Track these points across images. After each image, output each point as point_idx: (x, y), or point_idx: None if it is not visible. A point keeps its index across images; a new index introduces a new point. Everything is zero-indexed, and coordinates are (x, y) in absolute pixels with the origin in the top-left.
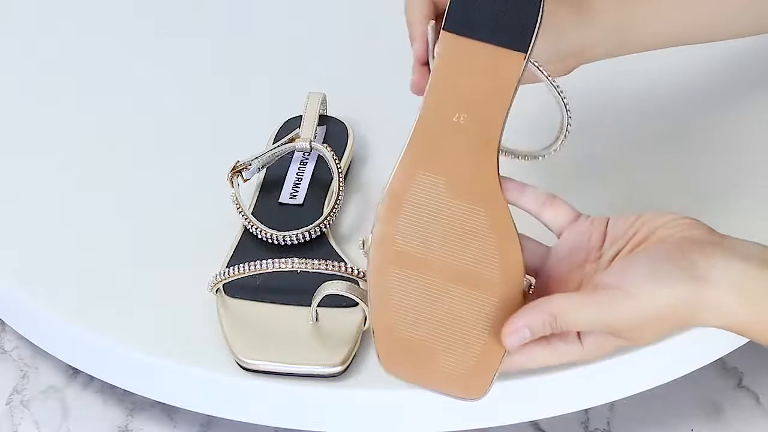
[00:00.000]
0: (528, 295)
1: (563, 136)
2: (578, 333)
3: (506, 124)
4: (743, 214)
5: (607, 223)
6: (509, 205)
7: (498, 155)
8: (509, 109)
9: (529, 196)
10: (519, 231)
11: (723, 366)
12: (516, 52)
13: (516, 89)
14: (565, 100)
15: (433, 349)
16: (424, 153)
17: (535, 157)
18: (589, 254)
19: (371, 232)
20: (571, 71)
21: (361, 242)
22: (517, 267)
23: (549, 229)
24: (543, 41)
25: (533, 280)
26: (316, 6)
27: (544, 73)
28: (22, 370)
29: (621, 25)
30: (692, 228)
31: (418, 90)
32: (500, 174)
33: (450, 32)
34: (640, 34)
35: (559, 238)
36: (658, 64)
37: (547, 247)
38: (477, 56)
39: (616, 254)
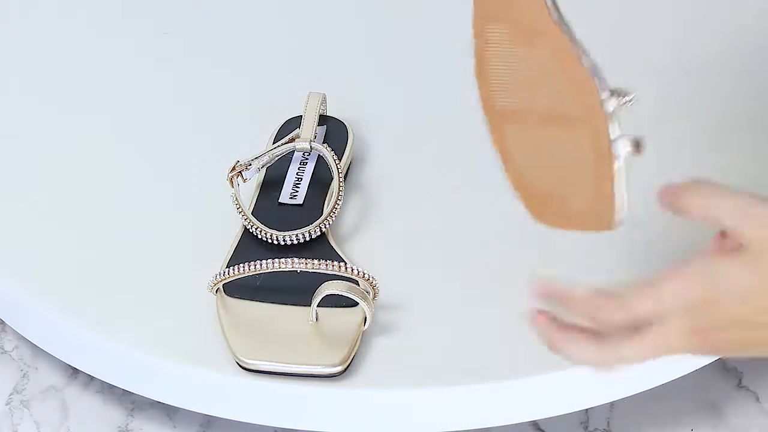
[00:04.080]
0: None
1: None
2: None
3: None
4: None
5: None
6: None
7: None
8: None
9: None
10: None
11: (723, 366)
12: None
13: None
14: None
15: (562, 195)
16: (484, 7)
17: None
18: None
19: None
20: None
21: None
22: (587, 84)
23: None
24: None
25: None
26: (316, 5)
27: None
28: (22, 370)
29: None
30: None
31: None
32: (558, 8)
33: None
34: None
35: None
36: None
37: None
38: None
39: None
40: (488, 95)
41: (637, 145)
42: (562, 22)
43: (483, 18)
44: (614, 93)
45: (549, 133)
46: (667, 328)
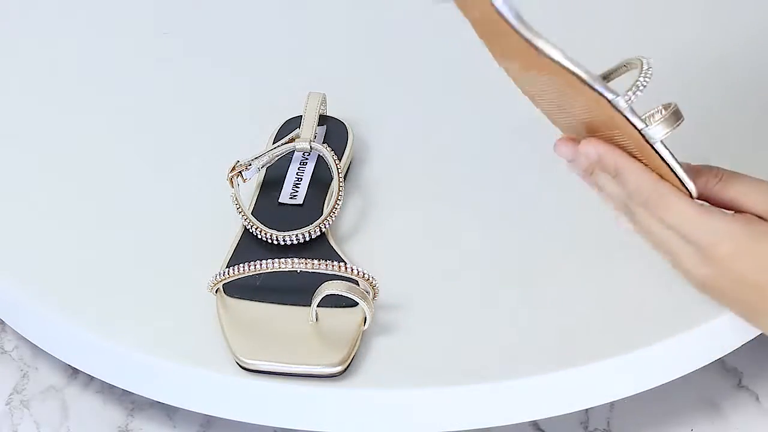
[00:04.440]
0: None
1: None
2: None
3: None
4: None
5: None
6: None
7: (516, 28)
8: None
9: None
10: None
11: (723, 366)
12: None
13: None
14: None
15: None
16: (491, 50)
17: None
18: None
19: None
20: None
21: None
22: (591, 93)
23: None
24: None
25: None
26: (316, 5)
27: None
28: (22, 370)
29: None
30: None
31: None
32: (538, 37)
33: None
34: None
35: None
36: None
37: None
38: None
39: None
40: (549, 116)
41: (674, 119)
42: (541, 43)
43: (496, 57)
44: (617, 73)
45: (607, 139)
46: (681, 247)
